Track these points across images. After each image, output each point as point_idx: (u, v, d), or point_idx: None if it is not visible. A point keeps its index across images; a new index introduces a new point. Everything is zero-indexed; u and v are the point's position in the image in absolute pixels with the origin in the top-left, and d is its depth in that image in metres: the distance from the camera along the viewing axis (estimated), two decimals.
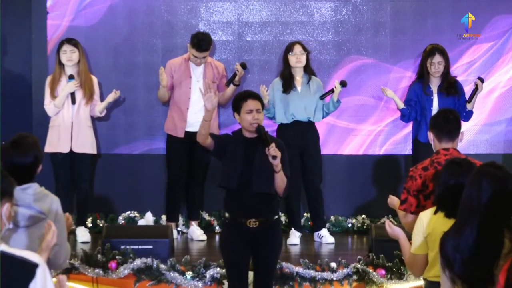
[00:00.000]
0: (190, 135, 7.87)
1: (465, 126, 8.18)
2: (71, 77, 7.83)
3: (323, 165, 8.17)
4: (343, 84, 7.91)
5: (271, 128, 8.11)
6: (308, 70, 7.98)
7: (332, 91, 7.87)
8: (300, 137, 7.87)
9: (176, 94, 8.06)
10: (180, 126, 8.02)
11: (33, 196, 4.30)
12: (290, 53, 7.92)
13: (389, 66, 8.54)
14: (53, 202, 4.38)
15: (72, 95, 7.84)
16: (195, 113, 7.91)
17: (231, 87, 8.06)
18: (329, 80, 8.42)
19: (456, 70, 8.42)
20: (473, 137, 8.59)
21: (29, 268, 2.96)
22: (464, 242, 3.67)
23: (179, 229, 8.26)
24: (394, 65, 8.53)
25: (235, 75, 8.02)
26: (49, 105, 7.88)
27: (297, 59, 7.89)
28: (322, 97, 7.90)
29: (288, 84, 7.89)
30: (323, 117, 8.03)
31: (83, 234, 7.91)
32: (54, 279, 3.45)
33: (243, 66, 8.06)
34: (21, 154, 4.37)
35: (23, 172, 4.34)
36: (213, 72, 8.07)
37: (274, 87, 7.95)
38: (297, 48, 7.92)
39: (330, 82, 8.29)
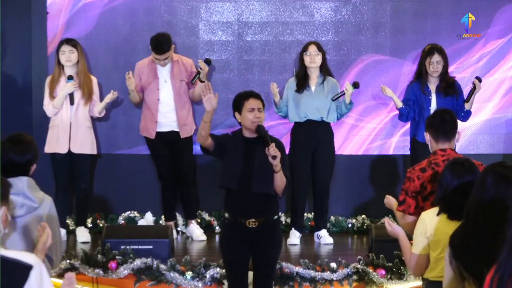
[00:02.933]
0: (162, 135, 7.93)
1: (466, 125, 8.22)
2: (70, 77, 7.82)
3: None
4: (355, 85, 7.86)
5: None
6: (324, 70, 7.95)
7: (343, 92, 7.85)
8: (312, 136, 7.84)
9: (146, 96, 8.02)
10: (152, 128, 7.98)
11: (27, 183, 4.32)
12: (305, 53, 7.90)
13: (391, 64, 8.53)
14: (45, 199, 4.38)
15: (71, 95, 7.83)
16: (166, 113, 7.91)
17: (200, 83, 7.85)
18: None
19: (458, 69, 8.41)
20: (473, 137, 8.58)
21: (23, 271, 2.93)
22: (471, 238, 3.68)
23: (179, 229, 8.26)
24: (397, 63, 8.51)
25: (198, 72, 7.87)
26: (48, 106, 7.87)
27: (311, 60, 7.88)
28: (334, 99, 7.87)
29: (301, 84, 7.88)
30: (338, 119, 8.00)
31: (83, 234, 7.90)
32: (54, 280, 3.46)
33: (208, 62, 7.95)
34: (19, 151, 4.39)
35: (18, 170, 4.36)
36: (181, 70, 7.99)
37: (289, 86, 7.96)
38: (312, 49, 7.91)
39: None
